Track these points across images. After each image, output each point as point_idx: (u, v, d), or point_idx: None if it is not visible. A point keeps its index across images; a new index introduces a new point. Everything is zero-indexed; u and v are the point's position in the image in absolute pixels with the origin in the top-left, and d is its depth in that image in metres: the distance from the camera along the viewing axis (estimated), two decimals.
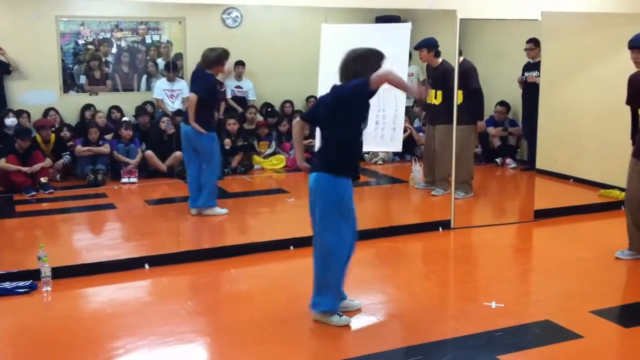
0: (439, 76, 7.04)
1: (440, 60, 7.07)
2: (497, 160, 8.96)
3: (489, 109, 8.98)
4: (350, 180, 3.98)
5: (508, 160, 8.88)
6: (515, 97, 8.68)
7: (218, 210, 6.54)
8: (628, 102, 5.27)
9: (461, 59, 6.96)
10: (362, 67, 3.87)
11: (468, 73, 6.91)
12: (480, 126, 7.14)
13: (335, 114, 3.89)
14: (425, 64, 7.50)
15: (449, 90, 6.48)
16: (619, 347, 3.90)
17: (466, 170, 7.14)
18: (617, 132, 5.41)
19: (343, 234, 3.96)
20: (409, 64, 7.74)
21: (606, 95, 7.24)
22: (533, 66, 8.07)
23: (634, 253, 5.25)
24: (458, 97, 6.85)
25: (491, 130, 8.95)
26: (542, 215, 6.54)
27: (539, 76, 7.84)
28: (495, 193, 7.99)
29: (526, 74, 8.19)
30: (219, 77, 6.61)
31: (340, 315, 4.07)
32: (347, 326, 4.03)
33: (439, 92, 7.05)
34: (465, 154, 7.02)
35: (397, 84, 3.89)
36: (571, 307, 4.35)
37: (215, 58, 6.20)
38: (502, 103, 8.94)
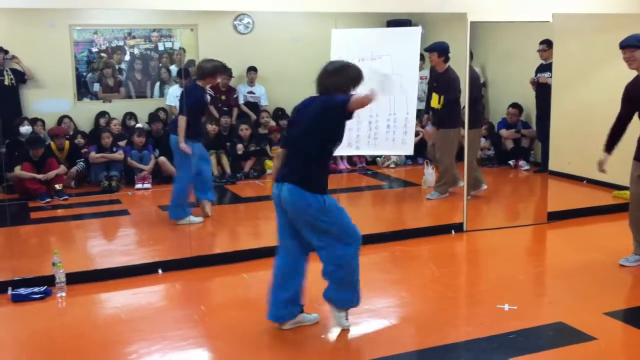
0: (443, 82, 7.07)
1: (447, 66, 7.09)
2: (510, 162, 8.94)
3: (502, 111, 8.97)
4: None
5: (521, 162, 8.85)
6: (528, 99, 8.64)
7: (192, 219, 6.35)
8: None
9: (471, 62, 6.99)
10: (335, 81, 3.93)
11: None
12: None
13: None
14: (431, 66, 7.52)
15: (449, 97, 6.67)
16: (633, 349, 3.87)
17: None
18: (630, 133, 5.37)
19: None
20: (421, 68, 7.75)
21: (618, 96, 7.16)
22: (546, 67, 8.02)
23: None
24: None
25: (504, 132, 8.93)
26: (556, 217, 6.51)
27: (550, 77, 7.80)
28: (509, 195, 7.96)
29: (539, 75, 8.16)
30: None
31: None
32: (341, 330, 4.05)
33: (442, 97, 7.07)
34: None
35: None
36: (585, 309, 4.33)
37: (211, 69, 6.20)
38: (515, 105, 8.90)
